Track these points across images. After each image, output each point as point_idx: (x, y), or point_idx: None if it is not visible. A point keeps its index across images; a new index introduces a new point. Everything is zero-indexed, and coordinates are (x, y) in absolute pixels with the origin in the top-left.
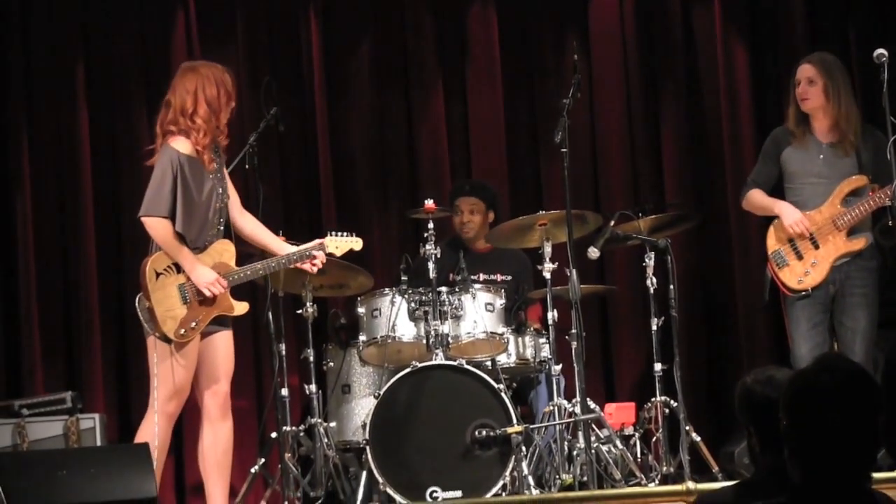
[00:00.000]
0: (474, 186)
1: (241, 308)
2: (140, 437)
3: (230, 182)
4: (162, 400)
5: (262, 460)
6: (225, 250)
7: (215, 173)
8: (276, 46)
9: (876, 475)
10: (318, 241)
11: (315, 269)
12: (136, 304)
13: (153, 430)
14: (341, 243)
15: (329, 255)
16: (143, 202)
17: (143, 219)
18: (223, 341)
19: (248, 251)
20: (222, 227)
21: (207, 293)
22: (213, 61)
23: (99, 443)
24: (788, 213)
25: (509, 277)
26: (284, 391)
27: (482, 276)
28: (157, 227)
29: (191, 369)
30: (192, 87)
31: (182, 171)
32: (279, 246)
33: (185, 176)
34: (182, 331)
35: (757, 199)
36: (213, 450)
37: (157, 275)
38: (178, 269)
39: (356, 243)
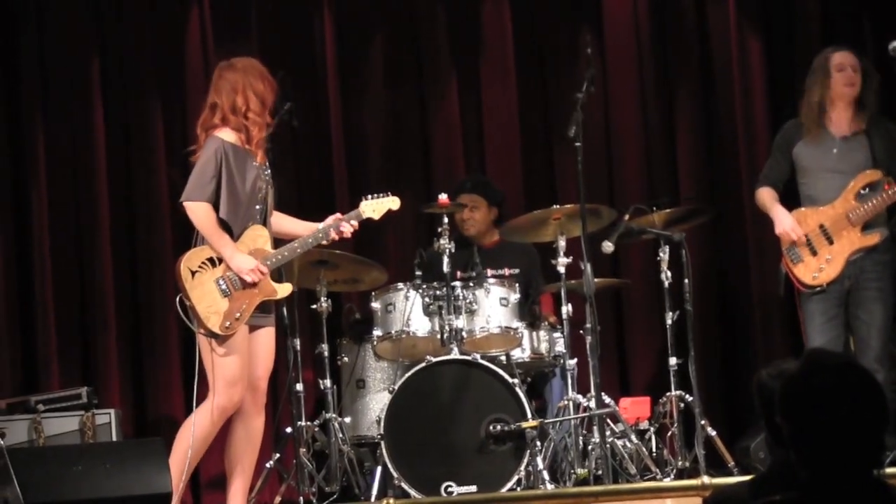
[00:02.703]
0: (475, 183)
1: (284, 290)
2: (197, 434)
3: None
4: (221, 392)
5: (277, 455)
6: (259, 236)
7: (262, 166)
8: (290, 41)
9: (893, 470)
10: (336, 215)
11: (348, 235)
12: (178, 306)
13: (200, 422)
14: (378, 206)
15: (367, 220)
16: (186, 188)
17: (184, 203)
18: (266, 338)
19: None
20: (263, 219)
21: (249, 279)
22: (228, 57)
23: (114, 438)
24: (781, 220)
25: (517, 271)
26: (299, 386)
27: (489, 271)
28: (198, 211)
29: (245, 359)
30: (239, 85)
31: (227, 159)
32: (306, 227)
33: (231, 165)
34: (227, 323)
35: (762, 198)
36: (243, 444)
37: (193, 273)
38: (213, 263)
39: (393, 202)
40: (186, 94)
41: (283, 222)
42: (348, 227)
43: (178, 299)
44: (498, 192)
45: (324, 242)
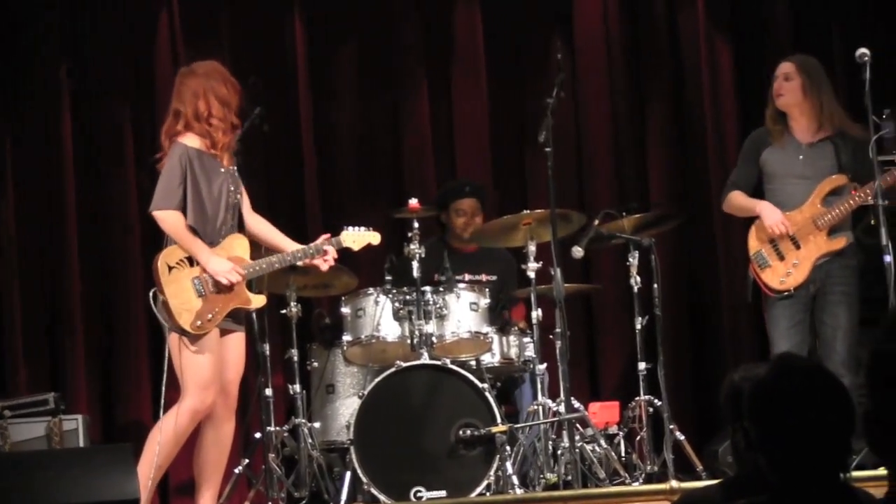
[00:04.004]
0: (475, 188)
1: (258, 301)
2: (166, 437)
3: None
4: (193, 395)
5: (246, 461)
6: (239, 244)
7: (228, 169)
8: (261, 46)
9: (859, 474)
10: (325, 236)
11: (327, 267)
12: (151, 300)
13: (170, 426)
14: (358, 237)
15: (346, 249)
16: (153, 198)
17: (153, 213)
18: (237, 342)
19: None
20: (235, 223)
21: (224, 281)
22: (196, 60)
23: (82, 444)
24: (769, 214)
25: (495, 277)
26: (268, 391)
27: (468, 277)
28: (168, 219)
29: (217, 362)
30: (200, 89)
31: (191, 165)
32: (288, 244)
33: (195, 171)
34: (198, 322)
35: (737, 200)
36: (213, 448)
37: (170, 268)
38: (192, 262)
39: (374, 237)
40: (156, 100)
41: (264, 229)
42: (333, 253)
43: (151, 293)
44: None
45: (300, 264)
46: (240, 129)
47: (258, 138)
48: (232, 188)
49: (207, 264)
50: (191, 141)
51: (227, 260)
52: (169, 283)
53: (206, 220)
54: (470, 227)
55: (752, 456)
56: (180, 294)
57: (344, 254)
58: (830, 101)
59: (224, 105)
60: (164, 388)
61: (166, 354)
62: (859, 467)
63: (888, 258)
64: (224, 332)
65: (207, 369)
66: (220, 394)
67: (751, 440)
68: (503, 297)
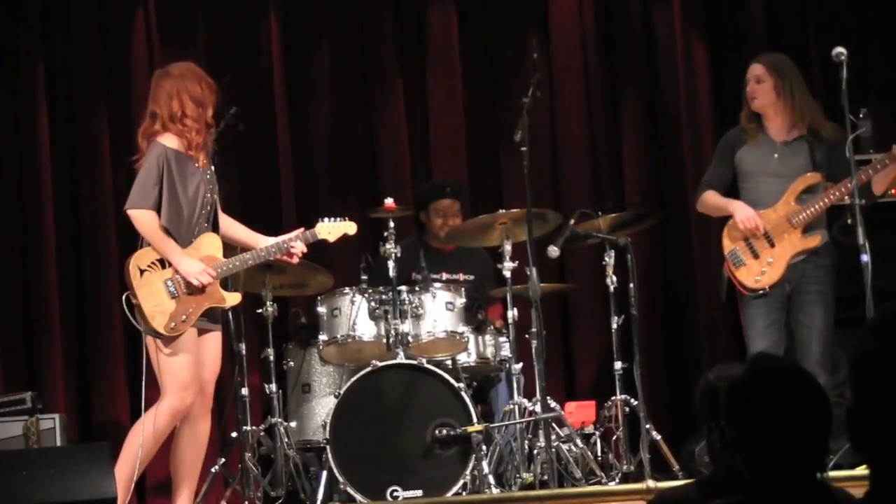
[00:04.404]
0: (454, 188)
1: (233, 299)
2: (147, 434)
3: None
4: (172, 395)
5: (223, 460)
6: (211, 243)
7: (204, 169)
8: (236, 46)
9: (837, 473)
10: (300, 230)
11: (296, 261)
12: (124, 304)
13: (149, 425)
14: (334, 229)
15: (322, 241)
16: (129, 196)
17: (128, 212)
18: (214, 341)
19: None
20: (209, 224)
21: (195, 283)
22: (173, 60)
23: (59, 443)
24: (740, 210)
25: (472, 276)
26: (244, 390)
27: (445, 276)
28: (143, 219)
29: (195, 361)
30: (174, 90)
31: (168, 165)
32: (261, 240)
33: (172, 171)
34: (172, 324)
35: (711, 200)
36: (189, 447)
37: (142, 271)
38: (163, 264)
39: (350, 227)
40: (132, 100)
41: (235, 229)
42: (301, 247)
43: (124, 297)
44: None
45: (272, 259)
46: (215, 128)
47: (234, 138)
48: (208, 188)
49: (179, 265)
50: (169, 141)
51: (200, 259)
52: (141, 287)
53: (181, 221)
54: (447, 228)
55: (728, 455)
56: (152, 297)
57: (320, 253)
58: (802, 97)
59: (198, 105)
60: (143, 389)
61: (144, 355)
62: (836, 467)
63: (865, 257)
64: (201, 332)
65: (186, 369)
66: (198, 394)
67: (727, 440)
68: (479, 296)
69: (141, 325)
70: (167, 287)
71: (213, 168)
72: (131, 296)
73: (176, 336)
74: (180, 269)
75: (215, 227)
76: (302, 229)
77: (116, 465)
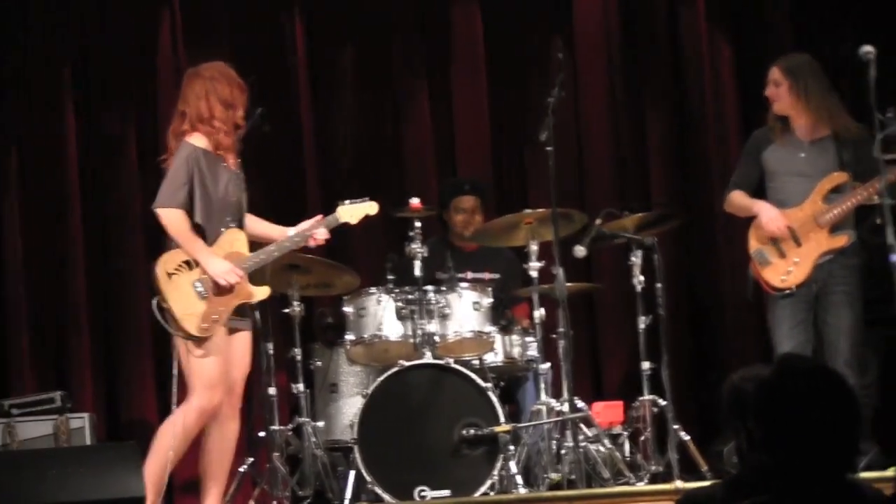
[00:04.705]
0: (475, 185)
1: (261, 293)
2: (176, 427)
3: None
4: (200, 395)
5: (251, 460)
6: (236, 239)
7: (235, 170)
8: (261, 46)
9: (867, 475)
10: (318, 217)
11: (315, 244)
12: (154, 308)
13: (178, 424)
14: (355, 210)
15: (344, 224)
16: (158, 195)
17: (157, 210)
18: (243, 341)
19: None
20: (236, 223)
21: (223, 283)
22: (199, 62)
23: (88, 442)
24: (765, 211)
25: (498, 275)
26: (272, 390)
27: (470, 275)
28: (171, 217)
29: (224, 361)
30: (203, 91)
31: (198, 164)
32: (280, 231)
33: (202, 170)
34: (205, 325)
35: (737, 200)
36: (219, 448)
37: (169, 275)
38: (190, 265)
39: (371, 207)
40: (158, 100)
41: (257, 226)
42: (323, 233)
43: (154, 302)
44: (489, 194)
45: (295, 249)
46: (244, 130)
47: (259, 139)
48: (235, 188)
49: (207, 266)
50: (198, 140)
51: (226, 257)
52: (170, 290)
53: (213, 219)
54: (470, 226)
55: (754, 456)
56: (182, 299)
57: (346, 253)
58: (819, 97)
59: (227, 107)
60: (175, 388)
61: (176, 356)
62: (866, 468)
63: (894, 257)
64: (231, 331)
65: (214, 369)
66: (226, 392)
67: (754, 440)
68: (505, 295)
69: (172, 328)
70: (196, 289)
71: (240, 169)
72: (160, 300)
73: (208, 337)
74: (208, 270)
75: (241, 227)
76: (321, 216)
77: (146, 464)
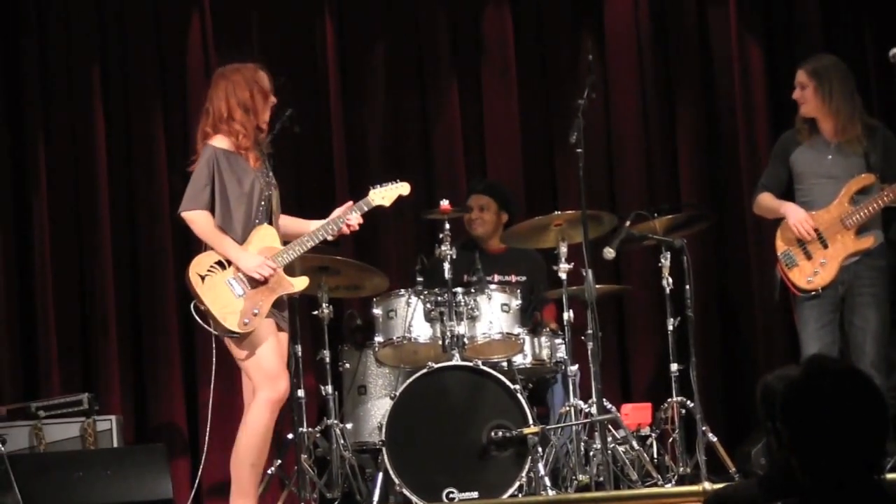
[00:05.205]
0: (487, 185)
1: (300, 283)
2: (252, 431)
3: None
4: (265, 387)
5: (279, 461)
6: (266, 234)
7: (259, 169)
8: (291, 48)
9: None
10: (349, 203)
11: (349, 230)
12: (193, 312)
13: (254, 423)
14: (387, 193)
15: (378, 207)
16: (182, 199)
17: (182, 214)
18: (284, 342)
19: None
20: (266, 220)
21: (258, 276)
22: (228, 62)
23: (115, 444)
24: (793, 213)
25: (524, 278)
26: (300, 392)
27: (497, 277)
28: (197, 219)
29: (277, 349)
30: (223, 93)
31: (219, 166)
32: (312, 225)
33: (223, 171)
34: (245, 321)
35: (765, 202)
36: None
37: (202, 277)
38: (223, 266)
39: (403, 188)
40: (188, 100)
41: (292, 224)
42: (356, 218)
43: (192, 305)
44: (509, 196)
45: (331, 237)
46: (266, 133)
47: (289, 139)
48: (262, 186)
49: (238, 262)
50: (219, 142)
51: (260, 252)
52: (206, 292)
53: (237, 221)
54: (480, 225)
55: (784, 456)
56: (219, 299)
57: (375, 254)
58: (841, 100)
59: (245, 111)
60: (211, 388)
61: (213, 358)
62: (893, 469)
63: None
64: (279, 328)
65: (270, 358)
66: (288, 378)
67: (782, 441)
68: (534, 297)
69: (215, 329)
70: (231, 286)
71: (268, 167)
72: (198, 303)
73: (250, 332)
74: (240, 266)
75: (270, 223)
76: (351, 203)
77: (235, 473)
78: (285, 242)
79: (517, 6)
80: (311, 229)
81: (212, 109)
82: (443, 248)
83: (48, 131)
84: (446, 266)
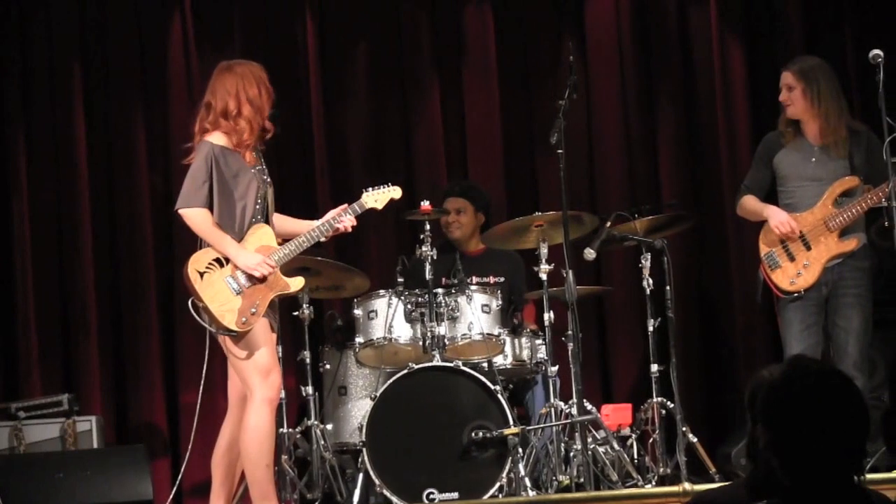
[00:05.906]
0: (463, 187)
1: (296, 283)
2: (258, 434)
3: None
4: (260, 386)
5: None
6: (264, 234)
7: (255, 167)
8: (273, 47)
9: (873, 476)
10: (344, 206)
11: (343, 231)
12: (191, 309)
13: (256, 427)
14: (380, 196)
15: (370, 209)
16: (179, 196)
17: (180, 211)
18: (274, 343)
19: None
20: (263, 218)
21: (257, 274)
22: (209, 62)
23: (96, 445)
24: (774, 215)
25: (502, 279)
26: (281, 393)
27: (475, 279)
28: (195, 217)
29: (270, 347)
30: (233, 88)
31: (217, 163)
32: (308, 225)
33: (222, 169)
34: (243, 319)
35: (748, 204)
36: (232, 449)
37: (201, 274)
38: (221, 263)
39: (395, 192)
40: (168, 100)
41: (285, 224)
42: (350, 220)
43: (189, 302)
44: (485, 197)
45: (324, 238)
46: (271, 133)
47: (270, 139)
48: (259, 184)
49: (237, 259)
50: (217, 139)
51: (256, 251)
52: (204, 289)
53: (234, 217)
54: (456, 228)
55: (764, 458)
56: (217, 296)
57: (356, 256)
58: (829, 101)
59: (254, 108)
60: (200, 391)
61: (206, 357)
62: (873, 469)
63: None
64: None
65: (264, 356)
66: (247, 396)
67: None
68: (514, 298)
69: (212, 326)
70: (229, 284)
71: (263, 165)
72: (196, 300)
73: (248, 330)
74: (238, 263)
75: (267, 222)
76: (345, 205)
77: (251, 477)
78: (280, 242)
79: (498, 6)
80: (307, 229)
81: (215, 104)
82: (423, 248)
83: (29, 131)
84: (427, 267)
